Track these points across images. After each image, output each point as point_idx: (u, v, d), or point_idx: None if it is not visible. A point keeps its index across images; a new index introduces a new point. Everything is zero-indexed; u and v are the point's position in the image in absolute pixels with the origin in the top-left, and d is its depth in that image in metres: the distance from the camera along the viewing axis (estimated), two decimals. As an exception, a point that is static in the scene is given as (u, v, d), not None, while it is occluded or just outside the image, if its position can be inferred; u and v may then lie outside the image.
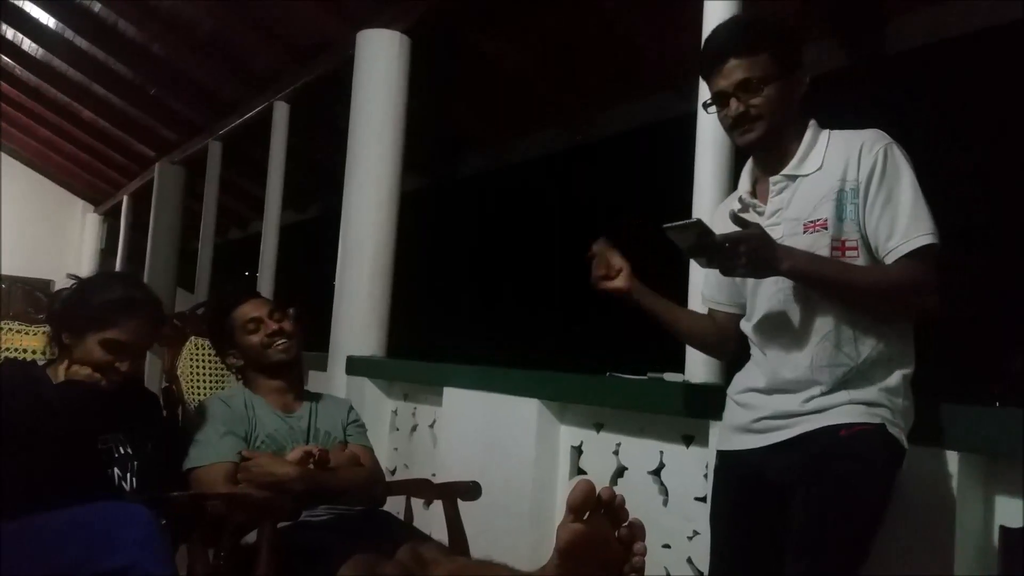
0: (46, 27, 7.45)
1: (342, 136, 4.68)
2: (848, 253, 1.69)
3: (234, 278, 8.68)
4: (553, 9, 4.57)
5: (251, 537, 2.06)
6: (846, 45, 4.06)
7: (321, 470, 2.25)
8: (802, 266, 1.64)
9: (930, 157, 1.70)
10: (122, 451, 2.09)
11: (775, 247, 1.62)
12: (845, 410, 1.66)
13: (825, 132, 1.77)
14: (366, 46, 4.61)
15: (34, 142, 11.14)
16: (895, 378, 1.68)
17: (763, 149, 1.79)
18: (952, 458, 1.79)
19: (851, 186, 1.68)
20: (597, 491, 1.10)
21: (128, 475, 2.08)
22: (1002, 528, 1.80)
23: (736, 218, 1.64)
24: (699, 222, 1.60)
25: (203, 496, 2.10)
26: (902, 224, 1.64)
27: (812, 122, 1.78)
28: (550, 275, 6.69)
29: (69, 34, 7.34)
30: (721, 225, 1.84)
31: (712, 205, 2.55)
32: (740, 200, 1.85)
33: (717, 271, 1.69)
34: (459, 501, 2.37)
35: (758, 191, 1.84)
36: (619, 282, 1.87)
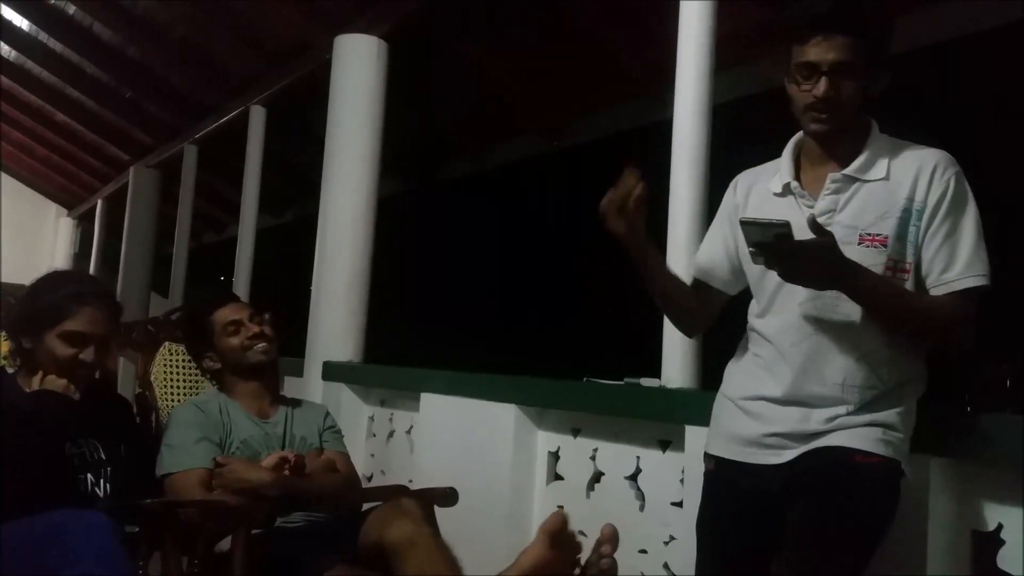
0: (19, 29, 7.36)
1: (319, 141, 4.66)
2: (899, 275, 1.62)
3: (209, 283, 8.62)
4: (531, 15, 4.58)
5: (225, 544, 2.05)
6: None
7: (297, 476, 2.24)
8: (868, 287, 1.57)
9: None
10: (95, 456, 2.07)
11: (846, 264, 1.53)
12: (864, 433, 1.60)
13: (885, 137, 1.69)
14: (343, 51, 4.59)
15: (7, 145, 10.99)
16: (911, 401, 1.66)
17: (826, 140, 1.68)
18: (925, 462, 1.79)
19: (918, 207, 1.60)
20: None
21: (102, 481, 2.07)
22: (974, 533, 1.81)
23: (815, 225, 1.51)
24: (786, 224, 1.50)
25: (177, 503, 2.09)
26: (962, 259, 1.59)
27: (874, 123, 1.69)
28: (529, 280, 6.70)
29: (43, 36, 7.26)
30: (742, 194, 1.81)
31: (689, 210, 2.57)
32: (788, 187, 1.72)
33: (734, 250, 1.57)
34: (436, 507, 2.37)
35: (803, 180, 1.72)
36: (617, 226, 1.68)
